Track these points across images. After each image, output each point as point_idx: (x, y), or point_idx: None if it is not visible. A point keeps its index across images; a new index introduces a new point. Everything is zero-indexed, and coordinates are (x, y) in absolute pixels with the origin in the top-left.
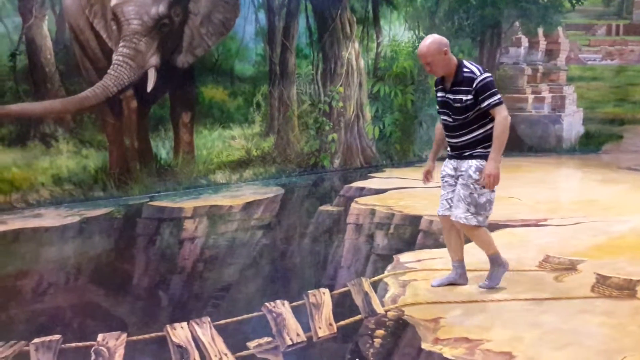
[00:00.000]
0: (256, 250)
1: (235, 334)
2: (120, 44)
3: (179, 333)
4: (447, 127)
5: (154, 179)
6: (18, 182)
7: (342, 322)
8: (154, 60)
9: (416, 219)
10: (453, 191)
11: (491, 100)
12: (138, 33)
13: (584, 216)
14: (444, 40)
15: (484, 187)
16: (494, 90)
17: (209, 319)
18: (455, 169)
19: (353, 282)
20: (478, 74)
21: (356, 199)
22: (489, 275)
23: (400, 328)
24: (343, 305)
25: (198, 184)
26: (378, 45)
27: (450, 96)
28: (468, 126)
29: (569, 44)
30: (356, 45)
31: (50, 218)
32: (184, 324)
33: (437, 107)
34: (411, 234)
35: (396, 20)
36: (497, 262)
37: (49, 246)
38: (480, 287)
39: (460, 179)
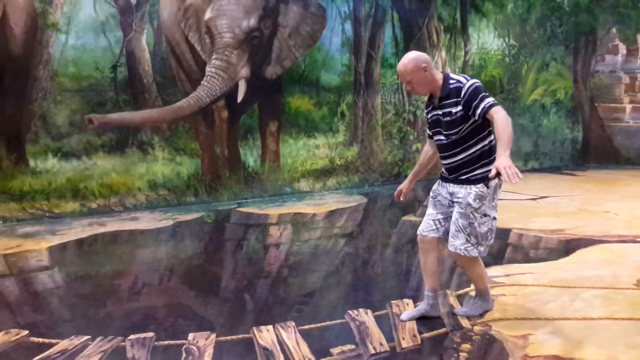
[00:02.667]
0: (339, 258)
1: (318, 339)
2: (213, 57)
3: (265, 336)
4: (441, 147)
5: (241, 186)
6: (117, 186)
7: (426, 334)
8: (244, 71)
9: (504, 232)
10: (444, 213)
11: (484, 104)
12: (230, 46)
13: None
14: (424, 56)
15: (496, 180)
16: (484, 94)
17: (293, 324)
18: (452, 194)
19: (438, 294)
20: (465, 82)
21: None
22: (470, 304)
23: (487, 343)
24: (427, 317)
25: (283, 192)
26: (466, 53)
27: (440, 112)
28: (463, 142)
29: None
30: (443, 53)
31: (146, 221)
32: (270, 327)
33: (429, 129)
34: (499, 247)
35: (485, 28)
36: (484, 297)
37: (143, 248)
38: (455, 312)
39: (457, 207)
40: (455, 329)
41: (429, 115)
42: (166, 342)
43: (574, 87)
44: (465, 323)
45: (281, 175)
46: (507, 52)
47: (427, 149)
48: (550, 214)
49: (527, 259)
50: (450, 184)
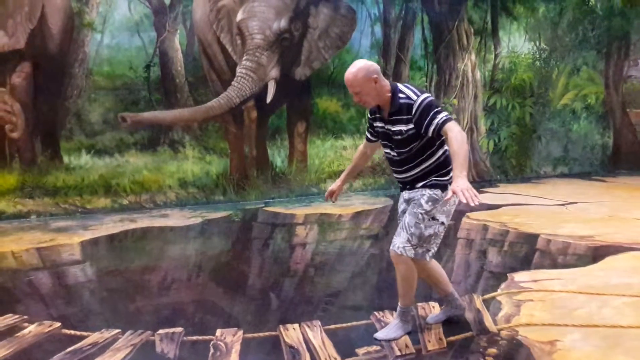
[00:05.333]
0: (364, 260)
1: (344, 339)
2: (244, 57)
3: (291, 334)
4: (392, 162)
5: (269, 186)
6: (148, 184)
7: (452, 338)
8: (274, 72)
9: (532, 238)
10: None
11: (437, 120)
12: (260, 47)
13: None
14: (374, 66)
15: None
16: (436, 109)
17: (319, 323)
18: (407, 201)
19: (464, 298)
20: (415, 97)
21: (467, 214)
22: (390, 326)
23: (514, 348)
24: (452, 321)
25: (309, 192)
26: (496, 56)
27: (390, 127)
28: (415, 158)
29: None
30: (473, 56)
31: (175, 218)
32: (296, 325)
33: (370, 134)
34: (527, 252)
35: (516, 31)
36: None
37: (173, 244)
38: (375, 337)
39: (409, 207)
40: (482, 333)
41: (376, 124)
42: (194, 338)
43: (605, 92)
44: (491, 327)
45: (308, 175)
46: (537, 56)
47: (363, 151)
48: (579, 220)
49: (555, 265)
50: (407, 191)
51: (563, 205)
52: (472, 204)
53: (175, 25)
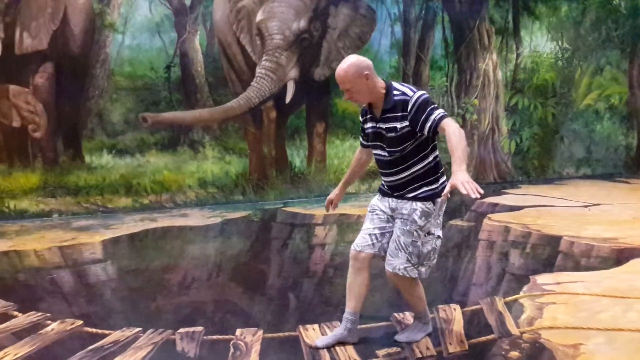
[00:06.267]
0: (384, 261)
1: (363, 341)
2: (263, 58)
3: (311, 334)
4: (382, 163)
5: (288, 186)
6: (168, 183)
7: (473, 340)
8: (293, 73)
9: (555, 240)
10: (381, 228)
11: (433, 117)
12: (280, 47)
13: None
14: (366, 62)
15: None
16: (432, 106)
17: (339, 324)
18: (393, 210)
19: (486, 301)
20: (411, 94)
21: (489, 215)
22: (410, 329)
23: (537, 351)
24: (473, 323)
25: (328, 192)
26: (518, 56)
27: (383, 125)
28: (407, 160)
29: None
30: (494, 56)
31: (195, 218)
32: (316, 326)
33: (363, 138)
34: (549, 254)
35: (538, 31)
36: (424, 319)
37: (192, 244)
38: (396, 339)
39: (399, 223)
40: (504, 335)
41: (367, 126)
42: (214, 337)
43: (629, 93)
44: (513, 330)
45: (327, 176)
46: (560, 56)
47: (359, 156)
48: (603, 222)
49: (578, 268)
50: (392, 199)
51: (586, 207)
52: (473, 196)
53: (195, 26)
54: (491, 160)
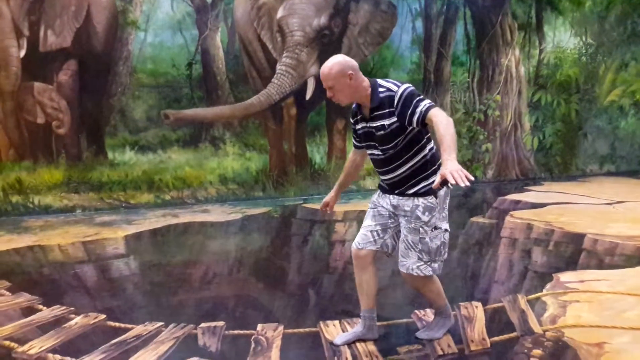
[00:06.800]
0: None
1: (384, 337)
2: (284, 55)
3: (332, 330)
4: (377, 162)
5: (307, 182)
6: (189, 180)
7: (495, 338)
8: (313, 69)
9: (578, 237)
10: (383, 225)
11: (420, 108)
12: (300, 44)
13: None
14: (351, 62)
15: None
16: (418, 98)
17: (360, 320)
18: (395, 207)
19: (508, 298)
20: (395, 89)
21: (511, 212)
22: (431, 326)
23: (560, 350)
24: (495, 321)
25: (348, 189)
26: (541, 52)
27: (372, 124)
28: (401, 155)
29: None
30: (517, 52)
31: (216, 214)
32: (337, 322)
33: (356, 140)
34: (572, 252)
35: (561, 26)
36: (445, 314)
37: (214, 239)
38: (417, 336)
39: (404, 222)
40: (526, 333)
41: (358, 127)
42: (235, 332)
43: None
44: (536, 328)
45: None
46: (584, 51)
47: (354, 158)
48: (627, 220)
49: (602, 266)
50: (393, 196)
51: (610, 204)
52: (462, 185)
53: (216, 23)
54: (513, 157)
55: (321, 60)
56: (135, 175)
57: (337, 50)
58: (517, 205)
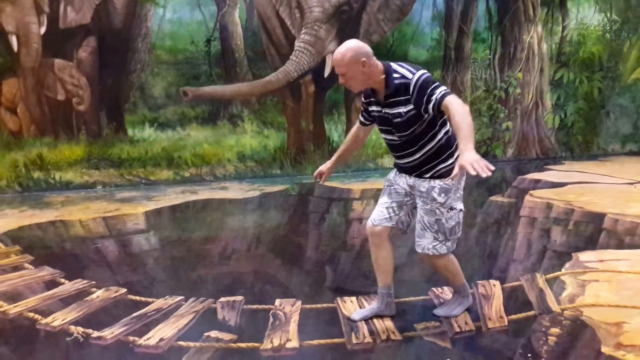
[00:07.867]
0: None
1: (401, 314)
2: (302, 31)
3: (349, 306)
4: (393, 147)
5: (325, 160)
6: (208, 157)
7: (513, 316)
8: (332, 46)
9: (599, 217)
10: (398, 202)
11: (435, 96)
12: (319, 20)
13: None
14: (365, 48)
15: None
16: (434, 85)
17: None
18: (412, 187)
19: (526, 277)
20: (410, 75)
21: (530, 192)
22: (449, 303)
23: (578, 329)
24: (513, 299)
25: (366, 167)
26: (564, 28)
27: (389, 111)
28: (418, 141)
29: None
30: (539, 28)
31: (234, 191)
32: (354, 298)
33: (364, 117)
34: (592, 232)
35: (585, 2)
36: (464, 293)
37: (232, 216)
38: (434, 313)
39: (420, 202)
40: (544, 312)
41: (372, 109)
42: (254, 306)
43: None
44: (554, 307)
45: (365, 150)
46: (608, 28)
47: (357, 133)
48: None
49: (622, 245)
50: (410, 177)
51: (631, 184)
52: (483, 175)
53: None
54: (534, 136)
55: (340, 36)
56: (155, 152)
57: (357, 27)
58: (537, 184)
